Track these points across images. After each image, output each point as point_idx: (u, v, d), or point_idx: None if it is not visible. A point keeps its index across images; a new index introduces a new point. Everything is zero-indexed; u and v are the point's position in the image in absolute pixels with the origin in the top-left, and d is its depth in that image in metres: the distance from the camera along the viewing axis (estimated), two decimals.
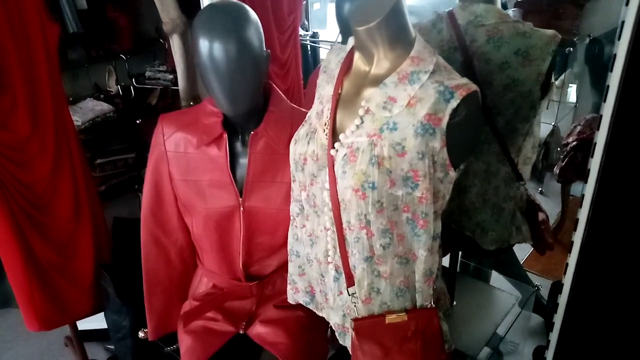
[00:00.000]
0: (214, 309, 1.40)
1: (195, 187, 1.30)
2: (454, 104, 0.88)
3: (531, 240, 1.47)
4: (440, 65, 0.94)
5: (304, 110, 1.34)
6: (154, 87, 3.41)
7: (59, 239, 1.69)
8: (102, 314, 1.89)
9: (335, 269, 1.08)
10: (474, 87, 0.89)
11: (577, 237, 1.11)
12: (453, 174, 0.96)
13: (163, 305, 1.50)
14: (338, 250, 1.04)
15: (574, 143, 2.55)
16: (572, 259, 1.13)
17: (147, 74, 3.36)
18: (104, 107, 3.13)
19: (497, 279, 2.08)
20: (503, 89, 1.23)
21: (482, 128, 1.25)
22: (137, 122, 3.43)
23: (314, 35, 3.90)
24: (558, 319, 1.21)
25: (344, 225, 1.00)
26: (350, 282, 1.03)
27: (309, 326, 1.37)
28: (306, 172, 1.05)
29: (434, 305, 1.06)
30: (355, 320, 1.04)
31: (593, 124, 2.57)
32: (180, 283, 1.50)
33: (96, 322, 1.98)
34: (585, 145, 2.55)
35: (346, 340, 1.13)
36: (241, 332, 1.37)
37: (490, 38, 1.22)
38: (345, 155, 0.96)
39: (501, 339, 1.67)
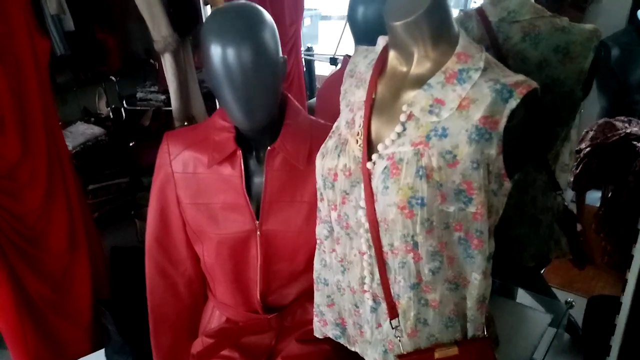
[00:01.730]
0: (230, 346, 1.26)
1: (206, 210, 1.17)
2: (513, 104, 0.77)
3: (570, 254, 1.36)
4: (491, 62, 0.83)
5: (322, 122, 1.22)
6: (146, 109, 3.32)
7: (53, 274, 1.55)
8: (103, 351, 1.74)
9: (373, 299, 0.95)
10: (534, 84, 0.78)
11: (638, 251, 0.99)
12: (508, 185, 0.84)
13: (171, 344, 1.36)
14: (376, 277, 0.92)
15: (588, 149, 2.46)
16: (632, 274, 1.01)
17: (139, 95, 3.27)
18: (95, 130, 3.02)
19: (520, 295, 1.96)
20: (542, 89, 1.13)
21: None
22: (130, 144, 3.31)
23: (309, 49, 3.82)
24: (616, 340, 1.08)
25: (385, 249, 0.88)
26: (393, 313, 0.91)
27: None
28: (337, 190, 0.93)
29: (486, 335, 0.94)
30: (400, 357, 0.91)
31: (606, 129, 2.49)
32: (190, 318, 1.36)
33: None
34: (600, 151, 2.47)
35: None
36: None
37: (526, 35, 1.12)
38: (385, 168, 0.84)
39: None
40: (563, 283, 2.52)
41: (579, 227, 1.35)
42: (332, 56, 3.43)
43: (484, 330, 0.93)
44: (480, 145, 0.78)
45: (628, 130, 2.39)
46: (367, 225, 0.89)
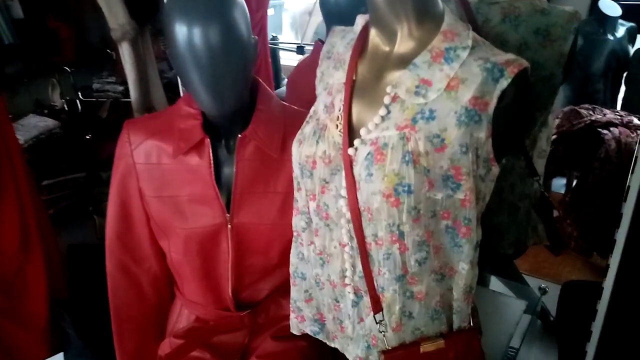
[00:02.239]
0: (200, 346, 1.19)
1: (172, 204, 1.09)
2: (504, 84, 0.73)
3: (547, 240, 1.34)
4: (478, 40, 0.79)
5: (296, 108, 1.16)
6: (104, 100, 3.17)
7: (4, 276, 1.43)
8: (61, 355, 1.63)
9: (355, 292, 0.90)
10: (525, 63, 0.74)
11: (621, 235, 0.98)
12: (496, 170, 0.80)
13: (136, 346, 1.27)
14: (358, 269, 0.87)
15: (554, 137, 2.48)
16: (615, 260, 1.00)
17: (95, 86, 3.13)
18: (48, 123, 2.85)
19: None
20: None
21: None
22: (87, 137, 3.16)
23: (274, 38, 3.72)
24: (597, 325, 1.07)
25: (368, 240, 0.83)
26: (377, 307, 0.86)
27: (314, 358, 1.18)
28: (315, 178, 0.87)
29: (472, 326, 0.90)
30: (384, 352, 0.87)
31: (571, 117, 2.52)
32: (156, 318, 1.28)
33: None
34: (565, 138, 2.49)
35: None
36: None
37: (505, 16, 1.09)
38: (369, 154, 0.78)
39: (517, 351, 1.54)
40: (531, 269, 2.55)
41: (555, 213, 1.34)
42: (299, 44, 3.34)
43: (469, 321, 0.90)
44: (469, 128, 0.74)
45: (593, 118, 2.43)
46: (348, 215, 0.84)
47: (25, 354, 1.51)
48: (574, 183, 2.66)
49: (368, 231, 0.82)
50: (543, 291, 1.71)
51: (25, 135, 2.69)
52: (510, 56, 0.74)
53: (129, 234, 1.17)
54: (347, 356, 1.00)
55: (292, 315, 1.09)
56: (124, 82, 2.66)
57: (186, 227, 1.09)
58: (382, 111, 0.79)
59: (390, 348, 0.87)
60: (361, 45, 0.87)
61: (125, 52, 2.17)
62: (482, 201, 0.82)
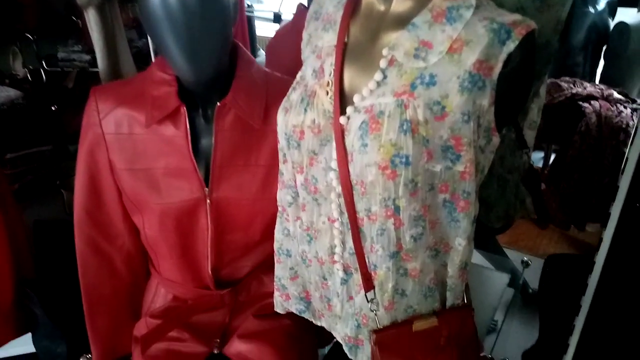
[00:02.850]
0: (179, 326, 1.13)
1: (145, 177, 1.02)
2: (511, 46, 0.67)
3: (534, 213, 1.32)
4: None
5: (279, 75, 1.09)
6: (69, 70, 3.02)
7: None
8: (30, 335, 1.55)
9: (344, 270, 0.85)
10: (532, 24, 0.68)
11: (616, 208, 0.95)
12: (497, 141, 0.76)
13: (110, 326, 1.20)
14: (349, 246, 0.82)
15: None
16: (608, 233, 0.98)
17: (60, 55, 2.97)
18: (10, 93, 2.70)
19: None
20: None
21: None
22: (53, 109, 3.01)
23: (249, 7, 3.58)
24: (587, 300, 1.06)
25: (360, 215, 0.77)
26: (369, 285, 0.81)
27: (299, 337, 1.14)
28: (303, 149, 0.81)
29: (466, 303, 0.87)
30: (375, 332, 0.83)
31: (552, 90, 2.50)
32: (130, 298, 1.21)
33: (24, 345, 1.62)
34: (546, 111, 2.47)
35: (358, 354, 0.91)
36: (215, 351, 1.11)
37: None
38: (363, 122, 0.72)
39: (499, 323, 1.53)
40: (510, 242, 2.56)
41: (542, 186, 1.31)
42: (276, 12, 3.20)
43: (463, 298, 0.86)
44: (472, 94, 0.68)
45: (573, 91, 2.41)
46: (339, 189, 0.78)
47: None
48: (552, 157, 2.66)
49: (360, 206, 0.77)
50: (525, 264, 1.71)
51: None
52: (517, 17, 0.69)
53: (99, 209, 1.09)
54: (335, 335, 0.96)
55: (276, 294, 1.04)
56: (91, 51, 2.53)
57: (161, 202, 1.02)
58: (378, 76, 0.72)
59: (381, 327, 0.83)
60: (353, 3, 0.80)
61: (91, 19, 2.03)
62: (481, 173, 0.78)
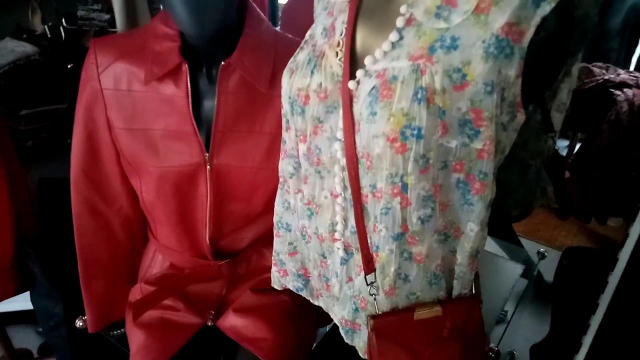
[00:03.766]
0: (174, 295, 1.10)
1: (144, 138, 0.97)
2: (546, 9, 0.59)
3: (555, 203, 1.24)
4: None
5: (292, 37, 1.01)
6: (88, 29, 2.98)
7: None
8: (28, 293, 1.54)
9: (345, 249, 0.79)
10: None
11: None
12: (522, 118, 0.68)
13: (105, 290, 1.17)
14: (351, 224, 0.75)
15: None
16: (635, 229, 0.90)
17: (80, 13, 2.93)
18: (27, 48, 2.66)
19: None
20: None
21: None
22: (69, 66, 2.98)
23: None
24: (606, 298, 0.98)
25: (364, 191, 0.71)
26: (369, 267, 0.75)
27: (296, 314, 1.09)
28: (307, 116, 0.75)
29: (474, 292, 0.80)
30: (373, 317, 0.77)
31: (582, 74, 2.37)
32: (127, 262, 1.18)
33: (24, 301, 1.62)
34: (575, 97, 2.35)
35: (355, 339, 0.86)
36: (209, 323, 1.07)
37: None
38: (373, 88, 0.65)
39: (509, 314, 1.47)
40: (526, 231, 2.48)
41: (566, 174, 1.23)
42: None
43: (471, 287, 0.80)
44: (498, 62, 0.60)
45: (606, 77, 2.28)
46: (343, 161, 0.72)
47: None
48: (577, 146, 2.54)
49: (365, 181, 0.70)
50: (541, 256, 1.63)
51: (1, 59, 2.51)
52: None
53: (97, 169, 1.04)
54: (332, 317, 0.91)
55: (273, 269, 0.99)
56: (110, 11, 2.47)
57: (159, 166, 0.97)
58: (394, 36, 0.65)
59: (380, 313, 0.77)
60: None
61: None
62: (501, 154, 0.70)
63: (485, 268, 1.54)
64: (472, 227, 0.71)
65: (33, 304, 1.45)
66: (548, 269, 1.89)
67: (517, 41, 0.60)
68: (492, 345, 1.29)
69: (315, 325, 1.20)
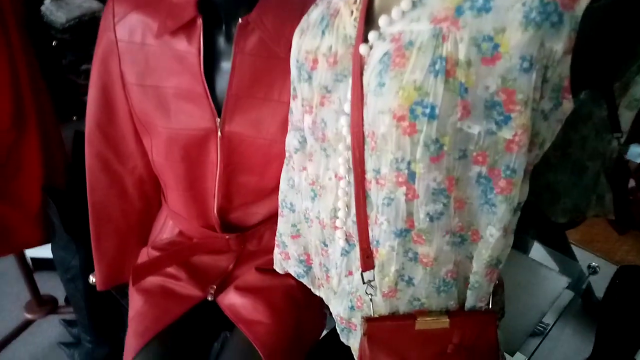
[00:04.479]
0: (178, 263, 1.05)
1: (155, 96, 0.91)
2: None
3: (613, 214, 1.08)
4: None
5: None
6: None
7: None
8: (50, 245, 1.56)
9: (346, 239, 0.70)
10: None
11: None
12: (569, 106, 0.55)
13: (116, 250, 1.15)
14: (353, 212, 0.66)
15: None
16: None
17: None
18: (93, 5, 2.69)
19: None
20: None
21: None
22: None
23: None
24: None
25: (369, 176, 0.61)
26: (367, 264, 0.66)
27: (301, 300, 1.01)
28: (315, 84, 0.65)
29: (490, 307, 0.69)
30: (368, 320, 0.68)
31: None
32: (140, 224, 1.14)
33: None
34: None
35: (350, 339, 0.77)
36: (209, 298, 1.02)
37: None
38: (385, 54, 0.55)
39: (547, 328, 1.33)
40: (582, 240, 2.26)
41: (631, 182, 1.06)
42: None
43: (488, 301, 0.69)
44: (540, 32, 0.48)
45: None
46: (349, 139, 0.62)
47: (17, 235, 1.44)
48: None
49: (369, 164, 0.60)
50: (593, 270, 1.45)
51: (68, 14, 2.55)
52: None
53: (111, 124, 1.00)
54: (331, 311, 0.82)
55: (276, 250, 0.91)
56: None
57: (169, 127, 0.91)
58: None
59: (376, 316, 0.68)
60: None
61: None
62: (539, 149, 0.58)
63: (526, 276, 1.40)
64: (492, 232, 0.60)
65: (53, 253, 1.46)
66: (601, 285, 1.71)
67: (569, 7, 0.47)
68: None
69: (323, 318, 1.11)
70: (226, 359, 0.95)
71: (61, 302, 1.77)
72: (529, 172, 0.59)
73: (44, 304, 1.71)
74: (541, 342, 1.42)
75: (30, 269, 1.76)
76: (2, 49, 1.24)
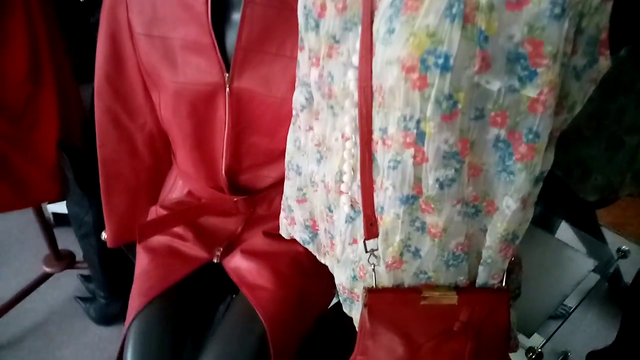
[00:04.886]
0: (185, 223, 1.03)
1: (162, 47, 0.87)
2: None
3: None
4: None
5: None
6: None
7: (11, 104, 1.31)
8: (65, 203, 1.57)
9: (351, 205, 0.65)
10: None
11: None
12: (605, 64, 0.48)
13: (126, 207, 1.13)
14: (359, 175, 0.61)
15: None
16: None
17: None
18: None
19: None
20: None
21: None
22: None
23: None
24: None
25: (375, 136, 0.56)
26: (371, 232, 0.61)
27: (307, 268, 0.98)
28: (322, 32, 0.59)
29: (503, 286, 0.64)
30: (370, 291, 0.63)
31: None
32: (150, 181, 1.12)
33: None
34: None
35: (352, 310, 0.74)
36: (215, 260, 1.00)
37: None
38: None
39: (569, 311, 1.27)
40: (614, 223, 2.15)
41: None
42: None
43: (502, 278, 0.63)
44: None
45: None
46: (356, 95, 0.56)
47: (35, 189, 1.44)
48: None
49: (377, 123, 0.55)
50: (622, 254, 1.37)
51: None
52: None
53: (120, 77, 0.97)
54: (335, 280, 0.79)
55: (282, 215, 0.88)
56: None
57: (176, 81, 0.87)
58: None
59: (379, 287, 0.64)
60: None
61: None
62: (567, 112, 0.51)
63: (551, 256, 1.33)
64: (509, 202, 0.54)
65: (67, 209, 1.46)
66: (630, 270, 1.62)
67: None
68: (534, 345, 1.11)
69: (332, 287, 1.08)
70: (229, 322, 0.93)
71: (79, 257, 1.79)
72: (555, 139, 0.53)
73: (62, 259, 1.74)
74: (561, 324, 1.36)
75: (50, 224, 1.77)
76: (20, 10, 1.22)
